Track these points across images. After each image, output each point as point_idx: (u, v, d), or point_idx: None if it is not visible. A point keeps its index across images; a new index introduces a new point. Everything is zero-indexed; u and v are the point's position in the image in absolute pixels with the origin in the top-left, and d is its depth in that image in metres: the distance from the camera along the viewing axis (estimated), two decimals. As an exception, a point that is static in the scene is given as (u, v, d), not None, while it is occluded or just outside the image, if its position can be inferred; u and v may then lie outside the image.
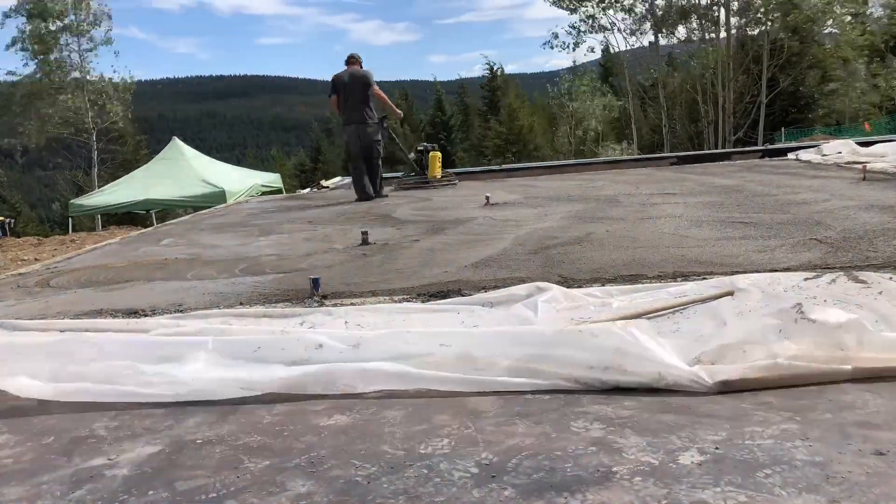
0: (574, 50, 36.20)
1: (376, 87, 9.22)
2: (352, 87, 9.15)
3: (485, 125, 43.42)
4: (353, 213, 8.03)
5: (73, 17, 30.04)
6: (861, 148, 10.56)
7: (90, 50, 30.57)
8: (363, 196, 9.27)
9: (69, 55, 30.33)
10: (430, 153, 11.10)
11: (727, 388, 2.04)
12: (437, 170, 11.08)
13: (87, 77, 30.50)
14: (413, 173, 11.33)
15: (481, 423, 2.00)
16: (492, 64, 46.16)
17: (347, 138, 9.48)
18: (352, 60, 9.41)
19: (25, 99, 29.49)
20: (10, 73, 30.04)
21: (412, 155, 11.41)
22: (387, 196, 9.46)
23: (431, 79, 51.45)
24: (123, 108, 31.31)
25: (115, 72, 32.91)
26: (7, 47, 29.44)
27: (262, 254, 5.49)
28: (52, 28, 29.72)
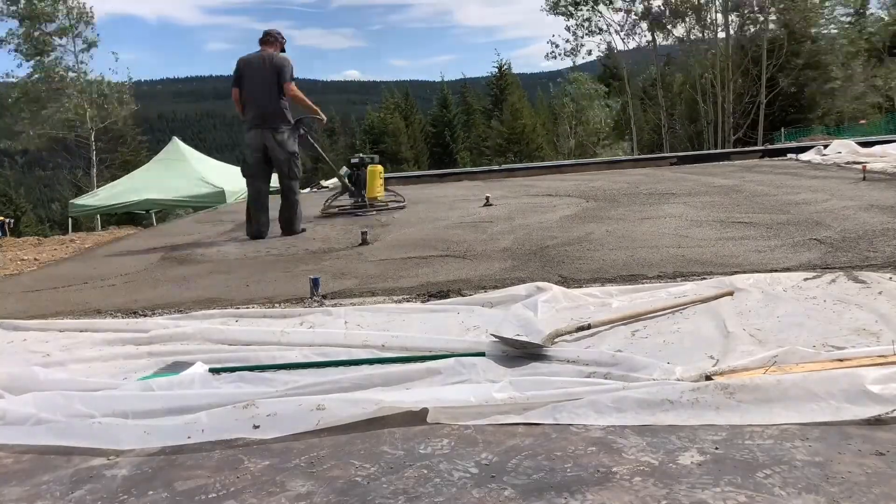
0: (575, 56, 36.31)
1: (292, 85, 6.51)
2: (260, 75, 6.44)
3: (487, 124, 43.45)
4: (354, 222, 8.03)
5: (64, 19, 29.95)
6: (861, 148, 10.57)
7: (85, 50, 30.47)
8: (255, 231, 6.52)
9: (62, 56, 30.25)
10: (369, 167, 8.19)
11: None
12: (377, 189, 8.23)
13: (84, 77, 30.39)
14: (345, 194, 8.33)
15: (481, 422, 2.00)
16: (500, 62, 46.10)
17: (248, 146, 6.56)
18: (267, 40, 6.64)
19: (21, 101, 29.41)
20: (7, 74, 30.01)
21: (344, 170, 8.62)
22: (303, 231, 6.61)
23: (435, 79, 51.55)
24: (122, 107, 31.16)
25: (114, 72, 32.82)
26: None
27: (263, 253, 5.48)
28: (45, 30, 29.65)
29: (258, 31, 6.93)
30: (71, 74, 30.16)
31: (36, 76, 29.93)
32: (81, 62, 30.48)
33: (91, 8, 30.59)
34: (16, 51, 29.47)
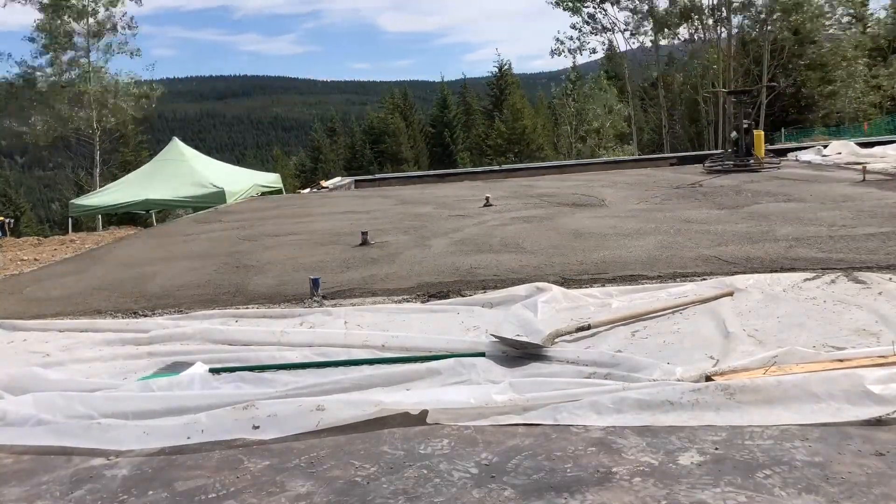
0: (580, 54, 36.13)
1: None
2: None
3: (489, 123, 43.41)
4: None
5: (91, 20, 29.66)
6: (861, 148, 10.56)
7: (108, 53, 30.10)
8: None
9: (82, 56, 29.98)
10: (755, 132, 10.34)
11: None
12: (761, 149, 10.28)
13: (100, 77, 30.08)
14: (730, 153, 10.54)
15: (481, 423, 1.99)
16: (500, 62, 46.06)
17: None
18: None
19: (35, 96, 29.15)
20: (22, 63, 29.72)
21: (733, 134, 10.88)
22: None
23: (439, 79, 51.53)
24: (137, 110, 30.81)
25: (132, 75, 32.59)
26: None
27: (263, 252, 5.48)
28: (67, 27, 29.37)
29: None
30: (88, 74, 29.87)
31: (50, 73, 29.66)
32: (99, 63, 30.15)
33: (132, 18, 30.26)
34: (32, 40, 29.12)
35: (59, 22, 29.30)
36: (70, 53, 29.87)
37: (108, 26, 30.06)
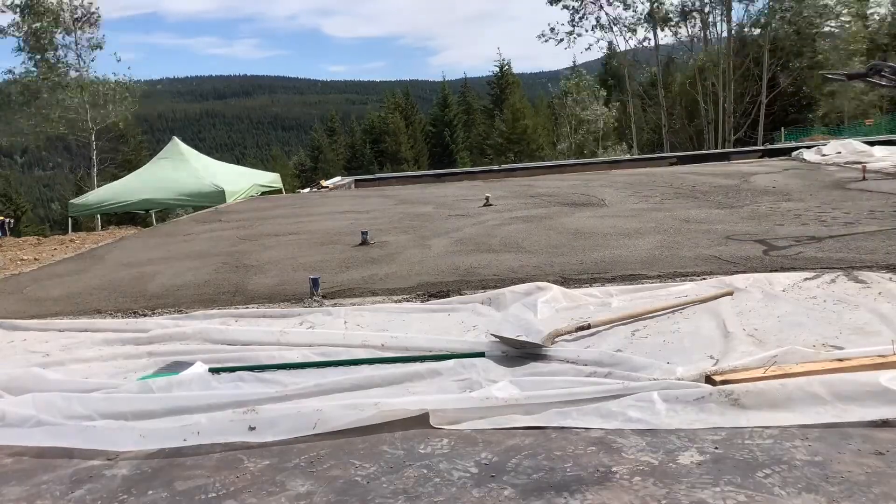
0: (571, 42, 35.94)
1: None
2: None
3: (489, 123, 43.43)
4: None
5: (66, 15, 29.87)
6: (861, 147, 10.56)
7: (92, 48, 30.37)
8: None
9: (65, 54, 30.20)
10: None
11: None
12: None
13: (85, 75, 30.31)
14: None
15: (481, 423, 1.99)
16: (501, 62, 46.09)
17: None
18: None
19: (23, 97, 29.28)
20: (8, 71, 29.96)
21: None
22: None
23: (440, 78, 51.43)
24: (124, 108, 30.97)
25: (115, 74, 32.75)
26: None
27: (263, 252, 5.48)
28: (46, 25, 29.54)
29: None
30: (73, 73, 30.08)
31: (34, 73, 29.79)
32: (84, 61, 30.36)
33: (97, 8, 30.49)
34: (20, 49, 29.34)
35: (37, 24, 29.62)
36: (52, 53, 30.09)
37: (83, 18, 30.34)
